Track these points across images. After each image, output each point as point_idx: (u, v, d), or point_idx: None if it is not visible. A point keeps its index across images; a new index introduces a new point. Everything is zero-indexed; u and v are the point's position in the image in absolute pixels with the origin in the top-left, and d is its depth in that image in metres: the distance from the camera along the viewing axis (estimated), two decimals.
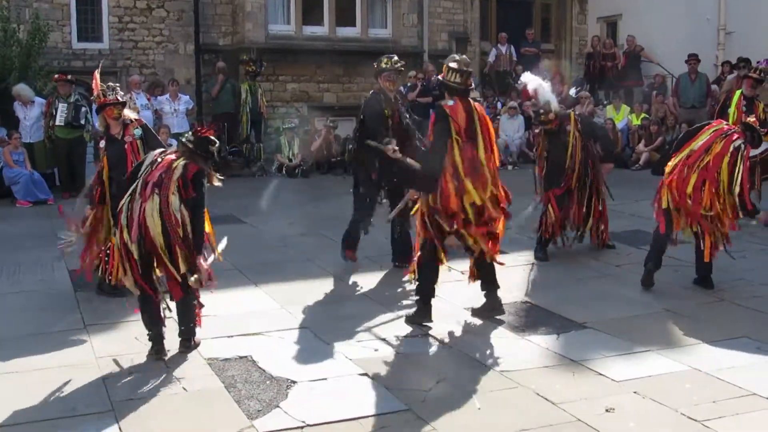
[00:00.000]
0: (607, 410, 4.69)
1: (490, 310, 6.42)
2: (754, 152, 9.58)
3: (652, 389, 4.97)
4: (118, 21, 15.41)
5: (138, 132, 6.88)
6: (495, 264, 6.37)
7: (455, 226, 6.11)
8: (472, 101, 6.31)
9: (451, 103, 6.15)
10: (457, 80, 6.16)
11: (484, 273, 6.40)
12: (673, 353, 5.61)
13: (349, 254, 7.92)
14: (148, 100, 14.11)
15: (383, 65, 7.66)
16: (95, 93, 6.92)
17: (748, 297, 6.94)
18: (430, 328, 6.17)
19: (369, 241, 8.01)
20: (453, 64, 6.19)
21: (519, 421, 4.58)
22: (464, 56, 6.46)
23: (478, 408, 4.77)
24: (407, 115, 7.79)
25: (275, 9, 16.14)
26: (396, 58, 7.77)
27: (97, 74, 6.99)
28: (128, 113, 6.98)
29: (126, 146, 6.79)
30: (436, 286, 6.33)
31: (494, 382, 5.17)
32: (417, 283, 6.34)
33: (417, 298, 6.33)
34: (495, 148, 6.34)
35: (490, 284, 6.42)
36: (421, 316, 6.25)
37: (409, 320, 6.30)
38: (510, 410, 4.74)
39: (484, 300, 6.46)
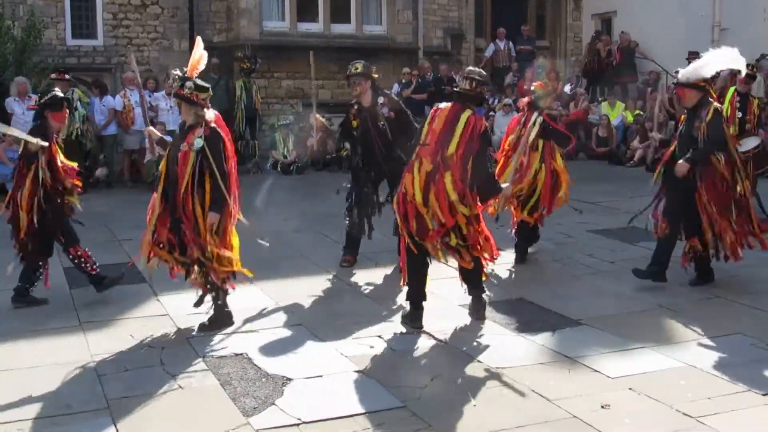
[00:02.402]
0: (602, 407, 4.70)
1: (472, 313, 6.40)
2: (747, 148, 9.62)
3: (647, 386, 4.98)
4: (112, 18, 15.38)
5: (198, 143, 5.80)
6: (480, 269, 6.30)
7: (412, 231, 6.02)
8: (473, 114, 6.04)
9: (442, 105, 6.12)
10: (465, 87, 6.08)
11: (468, 277, 6.34)
12: (668, 350, 5.62)
13: (348, 259, 7.95)
14: (142, 97, 14.01)
15: (347, 73, 7.75)
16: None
17: (743, 294, 6.95)
18: (419, 330, 6.11)
19: (364, 239, 8.00)
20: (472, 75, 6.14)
21: (514, 417, 4.58)
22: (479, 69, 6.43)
23: (474, 405, 4.78)
24: (384, 121, 7.64)
25: (270, 6, 16.14)
26: (356, 64, 7.69)
27: (200, 58, 6.13)
28: (206, 113, 5.92)
29: (180, 154, 5.86)
30: (426, 289, 6.24)
31: (489, 378, 5.18)
32: (406, 287, 6.27)
33: (407, 301, 6.28)
34: (464, 161, 5.95)
35: (473, 288, 6.37)
36: (411, 320, 6.18)
37: (402, 320, 6.26)
38: (505, 407, 4.74)
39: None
